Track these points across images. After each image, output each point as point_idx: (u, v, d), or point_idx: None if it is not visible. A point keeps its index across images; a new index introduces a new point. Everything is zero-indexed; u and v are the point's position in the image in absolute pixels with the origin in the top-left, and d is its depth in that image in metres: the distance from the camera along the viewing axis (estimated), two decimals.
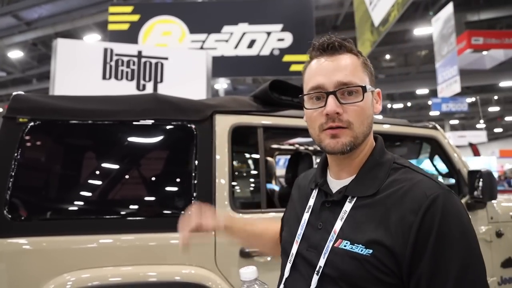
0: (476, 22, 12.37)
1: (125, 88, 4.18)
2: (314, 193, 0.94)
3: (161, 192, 1.88)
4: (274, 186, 3.71)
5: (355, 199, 0.83)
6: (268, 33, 7.07)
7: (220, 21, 7.11)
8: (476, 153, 12.62)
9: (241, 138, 2.17)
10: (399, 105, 22.91)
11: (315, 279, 0.81)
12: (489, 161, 13.04)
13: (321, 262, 0.81)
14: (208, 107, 1.88)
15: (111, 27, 7.16)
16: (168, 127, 1.86)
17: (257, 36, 7.08)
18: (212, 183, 1.78)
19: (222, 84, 8.92)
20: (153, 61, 4.34)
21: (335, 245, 0.80)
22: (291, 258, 0.90)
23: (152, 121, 1.82)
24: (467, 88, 16.95)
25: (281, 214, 1.97)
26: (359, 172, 0.86)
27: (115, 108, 1.81)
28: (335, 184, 0.90)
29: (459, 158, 2.41)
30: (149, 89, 4.30)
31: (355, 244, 0.77)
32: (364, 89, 0.83)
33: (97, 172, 1.84)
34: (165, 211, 1.84)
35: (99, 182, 1.82)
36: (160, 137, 1.91)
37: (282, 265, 0.97)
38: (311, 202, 0.93)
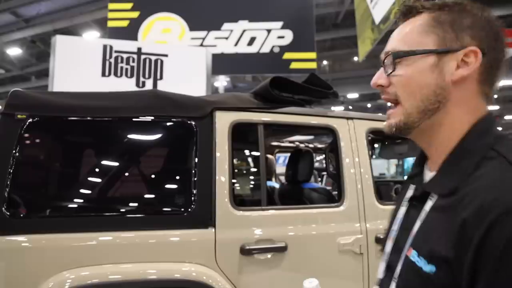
0: None
1: (125, 85, 4.17)
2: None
3: (161, 189, 1.87)
4: (274, 184, 3.70)
5: (436, 197, 0.66)
6: (268, 31, 7.05)
7: (220, 18, 7.09)
8: None
9: (242, 135, 2.16)
10: None
11: (392, 287, 0.71)
12: None
13: (398, 269, 0.70)
14: (208, 104, 1.87)
15: (110, 24, 7.14)
16: (168, 123, 1.85)
17: (257, 34, 7.06)
18: (212, 180, 1.77)
19: (222, 81, 8.91)
20: (153, 58, 4.34)
21: (407, 253, 0.68)
22: (385, 257, 0.77)
23: (152, 117, 1.80)
24: None
25: (284, 211, 1.98)
26: (443, 162, 0.68)
27: (114, 105, 1.79)
28: (428, 176, 0.73)
29: None
30: (148, 86, 4.29)
31: (420, 257, 0.63)
32: (405, 54, 0.68)
33: (97, 169, 1.83)
34: (165, 208, 1.83)
35: (98, 179, 1.81)
36: (160, 134, 1.90)
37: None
38: (408, 194, 0.78)
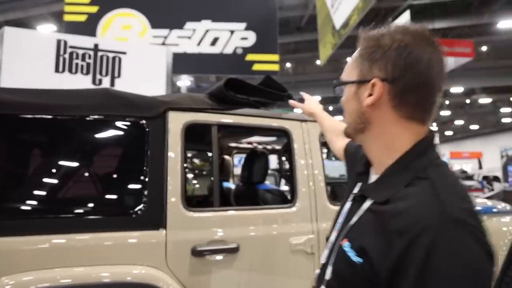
0: (430, 30, 12.99)
1: (80, 82, 4.02)
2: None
3: (111, 190, 1.82)
4: (230, 185, 3.71)
5: (372, 200, 0.77)
6: (232, 31, 7.07)
7: (183, 17, 7.01)
8: None
9: (195, 136, 2.15)
10: None
11: (328, 271, 0.80)
12: None
13: (333, 256, 0.80)
14: (161, 104, 1.84)
15: (67, 18, 6.85)
16: (119, 123, 1.80)
17: (221, 34, 7.05)
18: (164, 181, 1.75)
19: (185, 81, 8.81)
20: (111, 55, 4.21)
21: (341, 242, 0.78)
22: (329, 245, 0.86)
23: (103, 116, 1.76)
24: None
25: (236, 212, 1.99)
26: (382, 174, 0.79)
27: (64, 103, 1.73)
28: (373, 177, 0.84)
29: None
30: (105, 84, 4.16)
31: (351, 249, 0.74)
32: (339, 83, 0.86)
33: (44, 170, 1.75)
34: (115, 210, 1.78)
35: (45, 180, 1.73)
36: (111, 134, 1.85)
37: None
38: (356, 189, 0.87)
